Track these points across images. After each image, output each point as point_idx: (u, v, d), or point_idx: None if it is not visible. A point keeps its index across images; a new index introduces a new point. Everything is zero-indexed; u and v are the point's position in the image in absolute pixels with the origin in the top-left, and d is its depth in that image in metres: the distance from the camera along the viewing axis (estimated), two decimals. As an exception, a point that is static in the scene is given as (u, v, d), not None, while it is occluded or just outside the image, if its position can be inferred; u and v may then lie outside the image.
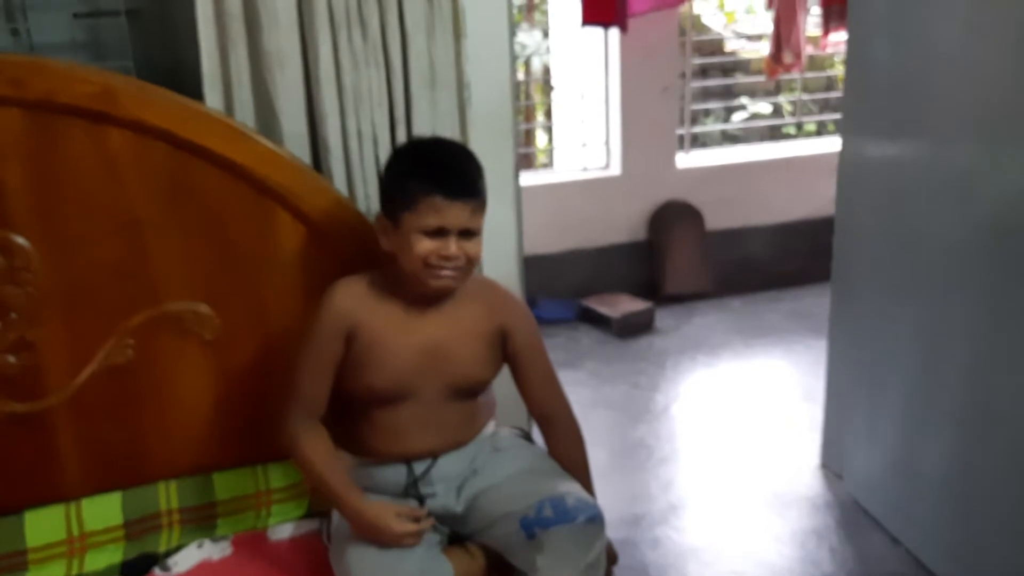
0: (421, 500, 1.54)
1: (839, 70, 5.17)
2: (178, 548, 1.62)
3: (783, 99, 5.53)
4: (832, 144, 4.10)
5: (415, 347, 1.51)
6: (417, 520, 1.46)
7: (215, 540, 1.63)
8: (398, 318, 1.51)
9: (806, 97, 4.88)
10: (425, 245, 1.44)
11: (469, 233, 1.46)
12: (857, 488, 2.45)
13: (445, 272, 1.46)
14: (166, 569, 1.57)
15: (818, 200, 4.03)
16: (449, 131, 1.77)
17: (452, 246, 1.44)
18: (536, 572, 1.39)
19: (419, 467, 1.54)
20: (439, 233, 1.44)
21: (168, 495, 1.68)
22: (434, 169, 1.47)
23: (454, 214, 1.43)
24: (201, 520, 1.68)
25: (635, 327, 3.66)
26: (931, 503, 2.14)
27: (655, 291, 3.95)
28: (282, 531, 1.66)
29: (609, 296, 3.83)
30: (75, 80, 1.51)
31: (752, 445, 2.79)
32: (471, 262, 1.48)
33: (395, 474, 1.54)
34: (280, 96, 1.67)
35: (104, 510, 1.65)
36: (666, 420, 3.00)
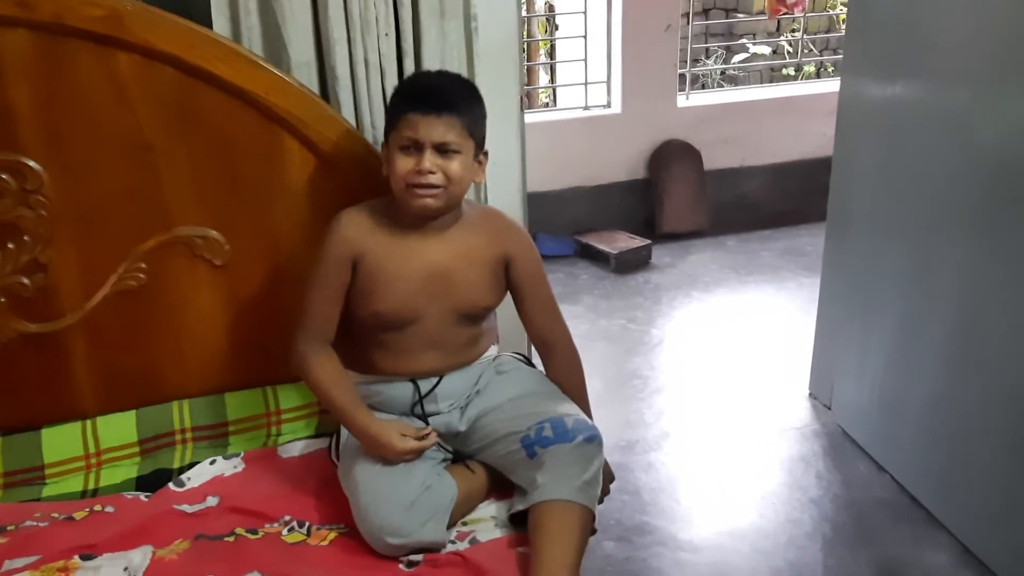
0: (426, 419, 1.59)
1: (841, 9, 5.12)
2: (191, 464, 1.67)
3: (784, 40, 5.49)
4: (830, 85, 4.10)
5: (419, 273, 1.55)
6: (421, 438, 1.52)
7: (227, 457, 1.69)
8: (402, 245, 1.55)
9: (807, 37, 4.84)
10: (403, 163, 1.47)
11: (448, 150, 1.48)
12: (844, 418, 2.53)
13: (424, 191, 1.48)
14: (180, 485, 1.63)
15: (815, 141, 4.05)
16: (457, 63, 1.77)
17: (426, 160, 1.46)
18: (535, 488, 1.44)
19: (425, 385, 1.59)
20: (415, 148, 1.47)
21: (181, 414, 1.73)
22: (413, 88, 1.53)
23: (428, 127, 1.46)
24: (213, 438, 1.74)
25: (632, 263, 3.71)
26: (916, 433, 2.21)
27: (652, 229, 3.99)
28: (292, 449, 1.72)
29: (607, 233, 3.87)
30: (82, 3, 1.51)
31: (743, 377, 2.86)
32: (452, 182, 1.49)
33: (402, 391, 1.59)
34: (288, 23, 1.68)
35: (119, 428, 1.70)
36: (660, 352, 3.07)
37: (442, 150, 1.47)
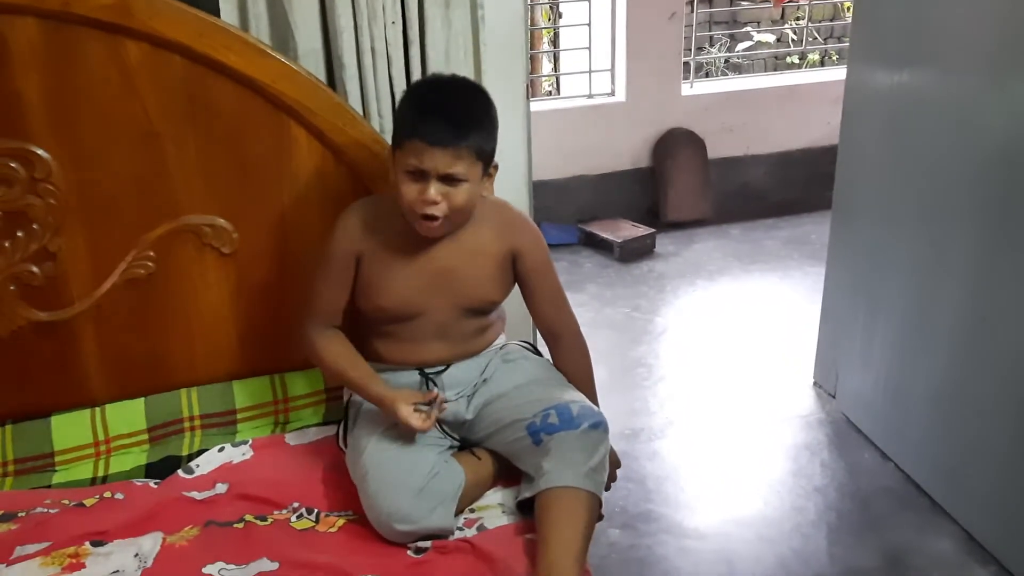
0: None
1: (846, -3, 5.11)
2: (200, 452, 1.68)
3: (788, 28, 5.47)
4: (835, 73, 4.09)
5: (424, 270, 1.55)
6: (430, 402, 1.50)
7: (236, 444, 1.70)
8: (407, 242, 1.55)
9: (811, 25, 4.82)
10: (408, 187, 1.46)
11: (453, 180, 1.45)
12: (849, 406, 2.53)
13: (429, 223, 1.48)
14: (189, 472, 1.64)
15: (819, 129, 4.05)
16: (462, 52, 1.77)
17: (431, 190, 1.44)
18: (542, 475, 1.44)
19: (432, 373, 1.60)
20: (420, 175, 1.45)
21: (190, 402, 1.74)
22: (423, 111, 1.46)
23: (433, 159, 1.43)
24: (222, 425, 1.75)
25: (637, 252, 3.72)
26: (921, 422, 2.22)
27: (656, 217, 3.99)
28: (300, 436, 1.73)
29: (611, 221, 3.88)
30: (90, -9, 1.51)
31: (747, 365, 2.86)
32: (456, 210, 1.48)
33: (409, 379, 1.60)
34: (294, 11, 1.68)
35: (128, 415, 1.71)
36: (665, 341, 3.07)
37: (448, 179, 1.45)
